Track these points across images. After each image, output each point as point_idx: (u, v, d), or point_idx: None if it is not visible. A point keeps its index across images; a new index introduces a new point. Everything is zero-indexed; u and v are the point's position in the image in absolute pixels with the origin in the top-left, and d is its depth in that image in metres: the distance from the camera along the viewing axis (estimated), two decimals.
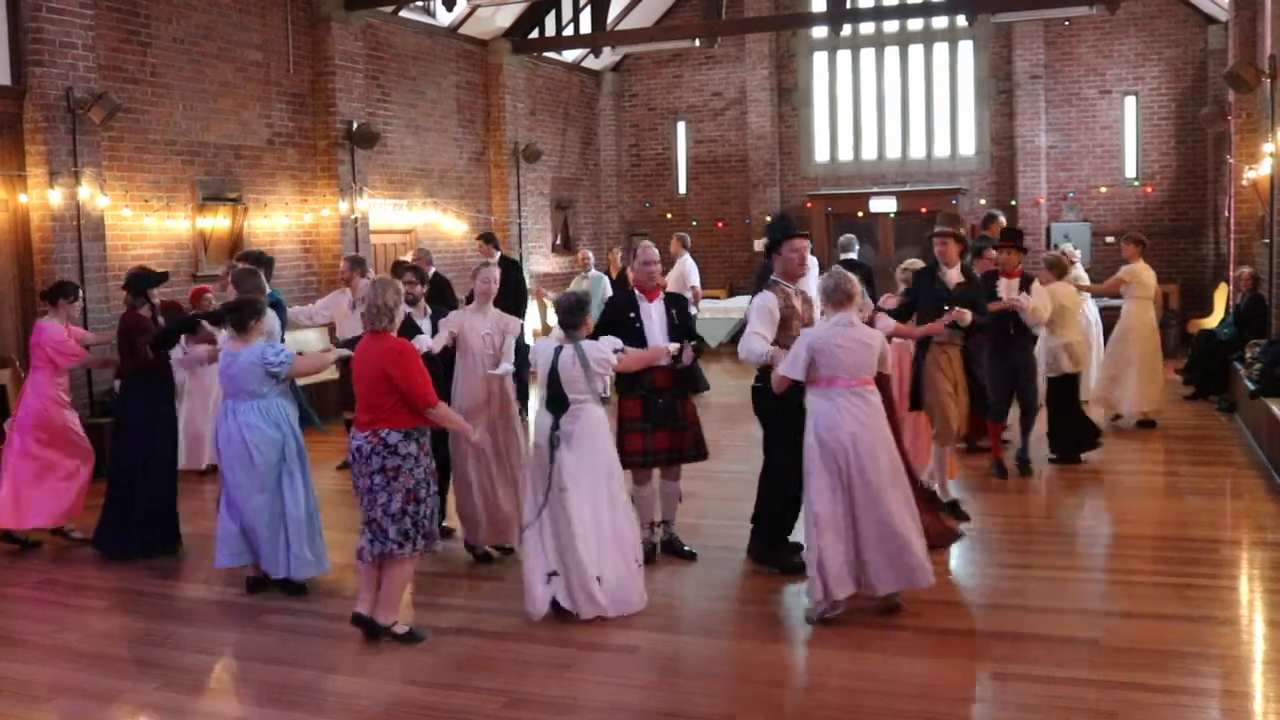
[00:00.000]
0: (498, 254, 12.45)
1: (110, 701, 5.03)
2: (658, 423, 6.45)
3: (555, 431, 5.73)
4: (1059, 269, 9.45)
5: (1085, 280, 11.77)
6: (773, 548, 6.52)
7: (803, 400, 5.82)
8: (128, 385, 7.42)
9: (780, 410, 6.17)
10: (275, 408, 6.28)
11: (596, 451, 5.81)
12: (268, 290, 7.29)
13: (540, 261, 17.27)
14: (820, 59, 18.53)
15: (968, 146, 17.82)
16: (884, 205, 17.34)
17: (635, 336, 6.38)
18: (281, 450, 6.26)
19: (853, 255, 11.19)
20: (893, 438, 5.79)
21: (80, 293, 7.98)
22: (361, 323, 5.73)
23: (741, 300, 15.90)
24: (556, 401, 5.76)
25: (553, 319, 13.40)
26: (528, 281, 13.67)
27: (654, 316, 6.57)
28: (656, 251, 6.83)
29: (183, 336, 7.37)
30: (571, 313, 5.80)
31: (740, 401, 13.10)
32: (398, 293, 5.59)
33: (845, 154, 18.52)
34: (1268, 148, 11.22)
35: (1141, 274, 10.31)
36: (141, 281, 7.39)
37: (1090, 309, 11.82)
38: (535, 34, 16.42)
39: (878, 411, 5.64)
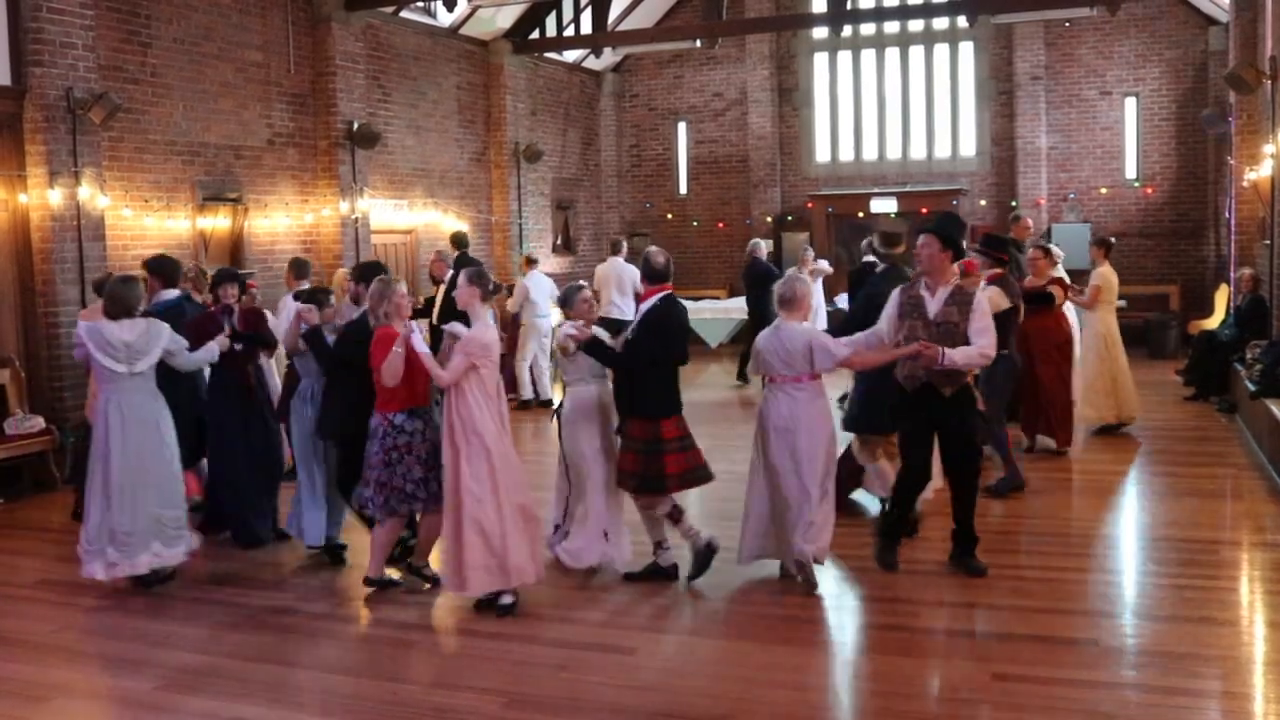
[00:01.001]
0: (455, 254, 12.37)
1: (109, 701, 5.04)
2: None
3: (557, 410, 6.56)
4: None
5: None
6: (889, 544, 6.51)
7: (921, 400, 6.23)
8: (211, 379, 7.59)
9: (904, 412, 6.37)
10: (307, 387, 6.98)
11: (588, 423, 6.41)
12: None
13: (541, 262, 17.23)
14: (821, 60, 18.53)
15: (968, 147, 17.82)
16: (885, 206, 17.34)
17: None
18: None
19: (873, 258, 10.90)
20: (823, 433, 6.16)
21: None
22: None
23: (737, 300, 15.88)
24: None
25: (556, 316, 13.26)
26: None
27: None
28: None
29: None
30: (560, 301, 6.61)
31: (736, 400, 13.19)
32: (400, 294, 6.23)
33: (846, 154, 18.52)
34: (1268, 149, 11.22)
35: (1111, 278, 10.19)
36: (219, 278, 7.60)
37: (1067, 308, 11.74)
38: (536, 34, 16.43)
39: (802, 405, 6.12)
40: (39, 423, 9.13)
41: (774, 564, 6.52)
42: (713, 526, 7.63)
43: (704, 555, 6.39)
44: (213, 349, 6.95)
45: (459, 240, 12.77)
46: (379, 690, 5.06)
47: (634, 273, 12.98)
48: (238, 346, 7.25)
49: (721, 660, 5.33)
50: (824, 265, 14.58)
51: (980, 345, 6.08)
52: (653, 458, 6.16)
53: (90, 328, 6.42)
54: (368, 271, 6.86)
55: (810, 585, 6.16)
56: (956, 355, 6.01)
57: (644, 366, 6.18)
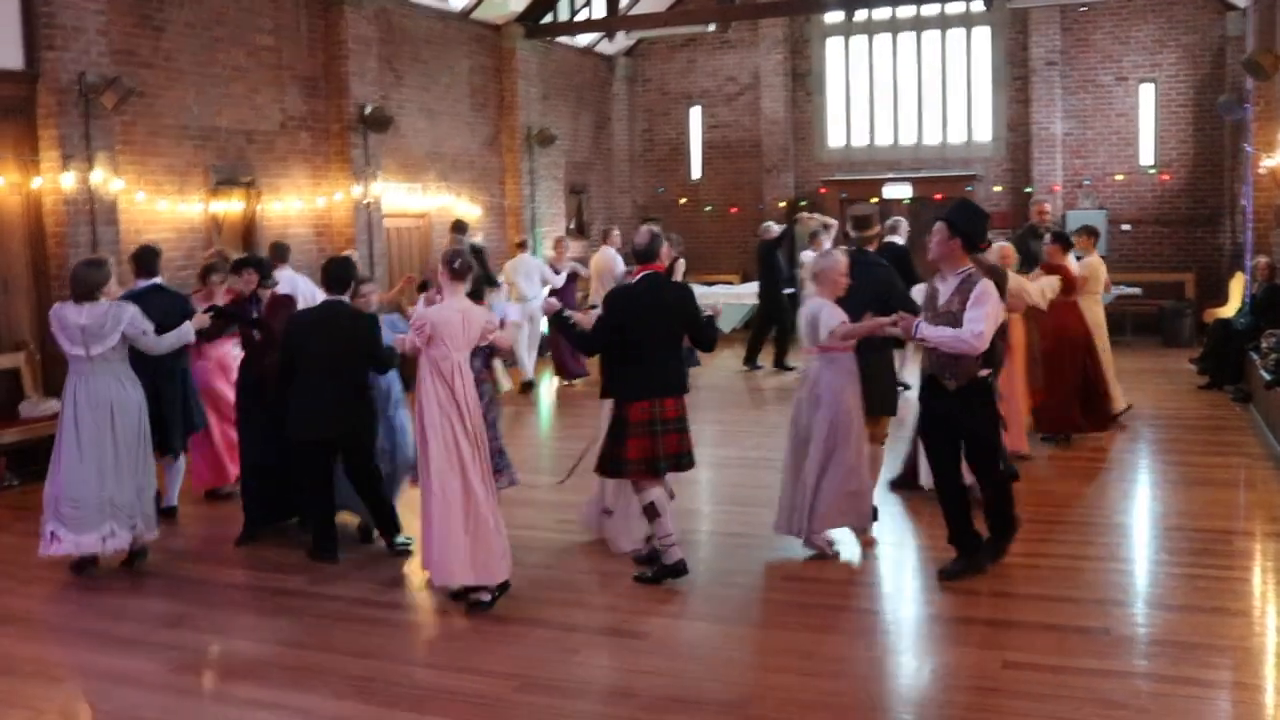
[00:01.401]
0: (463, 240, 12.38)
1: (127, 683, 5.06)
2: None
3: None
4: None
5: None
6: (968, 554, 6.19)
7: (927, 393, 6.12)
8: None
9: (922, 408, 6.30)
10: None
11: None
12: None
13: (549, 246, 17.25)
14: (834, 44, 18.43)
15: (983, 133, 17.72)
16: (898, 191, 17.27)
17: None
18: None
19: (897, 239, 10.79)
20: (829, 406, 6.40)
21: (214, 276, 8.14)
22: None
23: (751, 285, 15.84)
24: None
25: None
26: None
27: None
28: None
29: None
30: None
31: (746, 386, 13.18)
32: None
33: (860, 140, 18.43)
34: None
35: (1098, 269, 10.03)
36: (236, 265, 7.71)
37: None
38: (548, 18, 16.36)
39: (813, 376, 6.49)
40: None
41: (786, 549, 6.52)
42: (724, 511, 7.66)
43: (666, 570, 6.10)
44: (185, 331, 6.85)
45: (458, 227, 12.72)
46: (392, 673, 5.09)
47: (621, 262, 12.93)
48: (256, 336, 7.26)
49: (733, 645, 5.33)
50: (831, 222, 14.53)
51: (959, 331, 5.72)
52: (616, 440, 6.03)
53: (54, 310, 6.48)
54: (333, 268, 6.78)
55: (831, 551, 6.50)
56: (930, 331, 5.80)
57: (597, 348, 6.19)
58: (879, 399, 6.92)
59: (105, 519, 6.39)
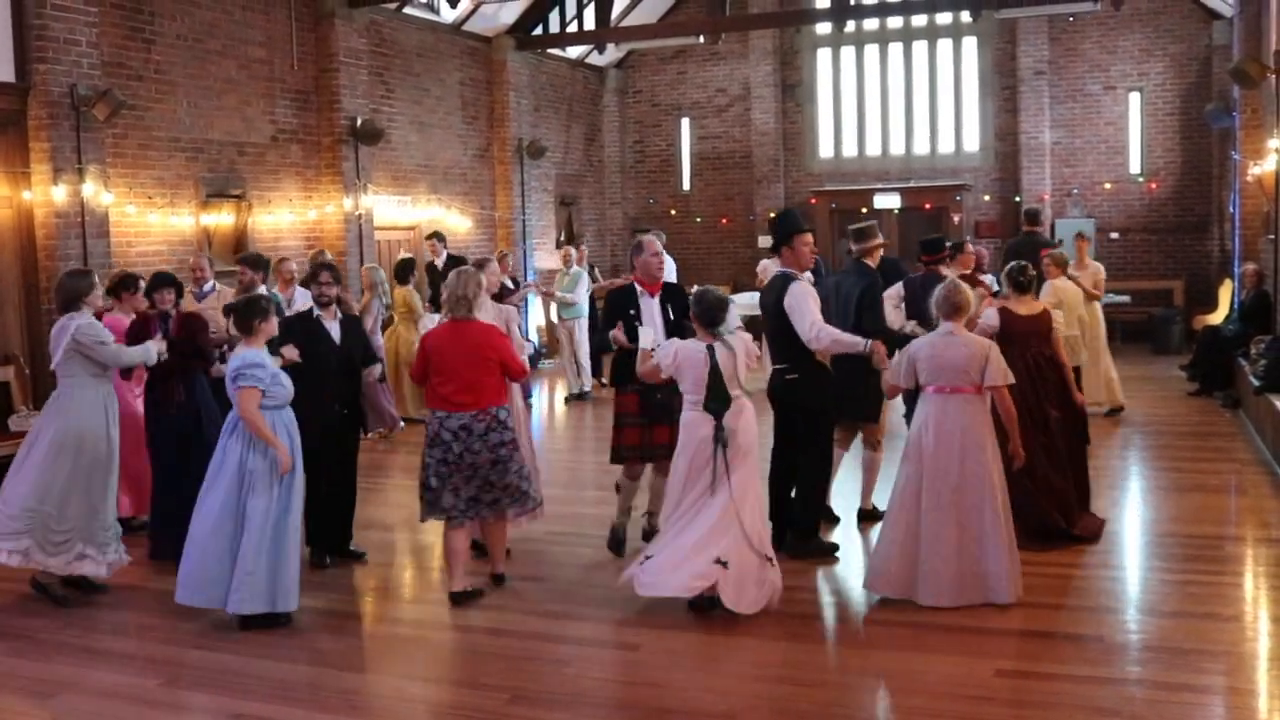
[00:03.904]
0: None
1: (114, 697, 5.04)
2: (655, 418, 6.49)
3: (721, 430, 5.70)
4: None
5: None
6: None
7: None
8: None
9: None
10: None
11: (755, 445, 5.89)
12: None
13: (544, 258, 17.26)
14: (824, 55, 18.51)
15: (972, 143, 17.79)
16: (888, 201, 17.32)
17: (631, 331, 6.45)
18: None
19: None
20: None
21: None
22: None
23: (744, 296, 15.85)
24: (721, 399, 5.74)
25: (554, 315, 13.03)
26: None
27: (654, 312, 6.60)
28: (660, 245, 6.97)
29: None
30: (715, 309, 5.81)
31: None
32: (479, 285, 6.08)
33: (849, 150, 18.50)
34: (1273, 143, 11.19)
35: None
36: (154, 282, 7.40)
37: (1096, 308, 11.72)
38: (539, 30, 16.42)
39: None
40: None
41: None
42: None
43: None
44: (149, 349, 6.60)
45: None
46: (384, 687, 5.07)
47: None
48: (163, 355, 6.78)
49: (726, 656, 5.32)
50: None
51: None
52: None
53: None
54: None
55: None
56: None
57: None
58: (862, 404, 7.02)
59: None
